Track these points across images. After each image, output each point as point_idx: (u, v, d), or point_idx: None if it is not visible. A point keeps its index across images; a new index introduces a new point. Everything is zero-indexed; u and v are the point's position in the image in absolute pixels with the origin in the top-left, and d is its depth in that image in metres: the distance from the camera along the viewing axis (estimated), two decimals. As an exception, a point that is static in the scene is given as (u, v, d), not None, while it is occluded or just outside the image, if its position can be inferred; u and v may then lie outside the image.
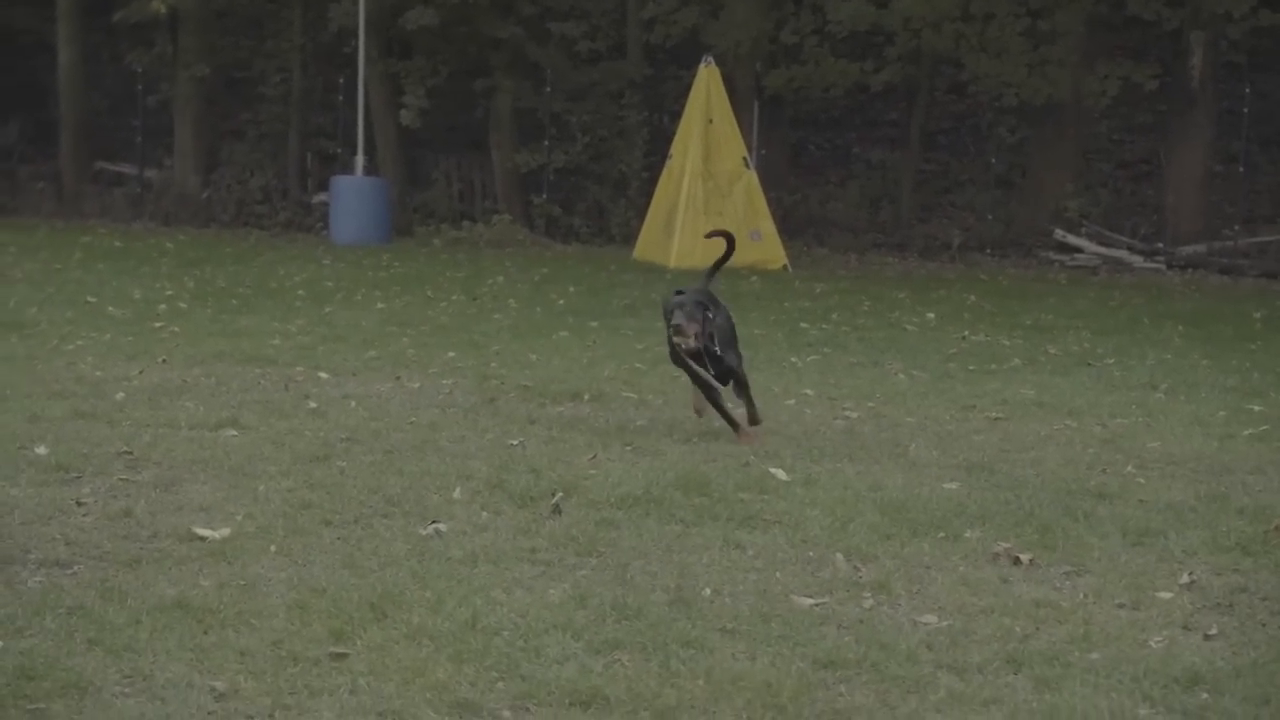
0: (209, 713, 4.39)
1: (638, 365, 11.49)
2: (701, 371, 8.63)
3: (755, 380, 10.77)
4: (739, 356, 8.73)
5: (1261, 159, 25.24)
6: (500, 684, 4.65)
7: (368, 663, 4.77)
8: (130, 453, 7.70)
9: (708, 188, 21.34)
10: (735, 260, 20.16)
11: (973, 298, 17.79)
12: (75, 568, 5.71)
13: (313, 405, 9.31)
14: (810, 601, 5.53)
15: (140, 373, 10.40)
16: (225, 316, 13.82)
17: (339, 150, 27.68)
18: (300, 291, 16.29)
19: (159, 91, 29.20)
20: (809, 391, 10.45)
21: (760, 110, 25.30)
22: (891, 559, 6.13)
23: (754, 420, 8.63)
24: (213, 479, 7.20)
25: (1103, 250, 23.58)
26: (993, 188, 25.62)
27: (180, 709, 4.40)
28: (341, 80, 27.26)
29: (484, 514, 6.67)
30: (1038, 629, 5.30)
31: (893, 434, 8.94)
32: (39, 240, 22.46)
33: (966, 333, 14.23)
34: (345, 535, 6.27)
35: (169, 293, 15.64)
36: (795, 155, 27.38)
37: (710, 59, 22.04)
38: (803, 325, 14.58)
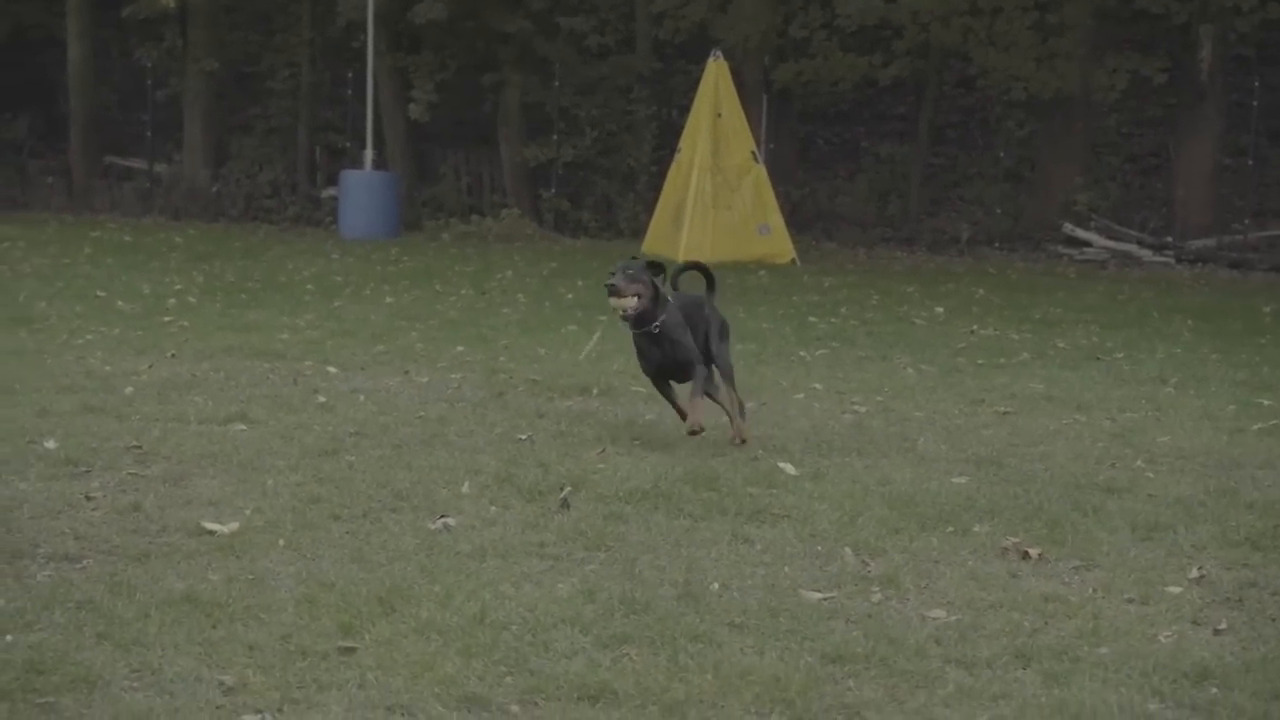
0: (217, 706, 4.40)
1: (646, 359, 11.46)
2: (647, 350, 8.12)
3: (764, 374, 10.82)
4: (727, 364, 8.34)
5: (1271, 152, 25.18)
6: (509, 678, 4.65)
7: (376, 657, 4.77)
8: (139, 447, 7.70)
9: (716, 182, 21.33)
10: (744, 254, 20.55)
11: (981, 292, 17.77)
12: (84, 562, 5.72)
13: (321, 400, 9.31)
14: (818, 596, 5.53)
15: (149, 367, 10.41)
16: (234, 311, 13.82)
17: (348, 145, 27.70)
18: (309, 286, 16.30)
19: (168, 86, 29.23)
20: (817, 386, 10.45)
21: (769, 104, 25.29)
22: (900, 553, 6.12)
23: (692, 421, 8.02)
24: (221, 473, 7.20)
25: (1112, 244, 23.54)
26: (1001, 181, 25.60)
27: (189, 703, 4.40)
28: (350, 75, 27.28)
29: (492, 508, 6.67)
30: (1046, 624, 5.30)
31: (901, 428, 8.93)
32: (48, 235, 22.48)
33: (975, 327, 14.22)
34: (354, 529, 6.27)
35: (178, 287, 15.65)
36: (804, 149, 27.36)
37: (719, 53, 22.03)
38: (811, 319, 14.57)
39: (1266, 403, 10.16)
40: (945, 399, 10.02)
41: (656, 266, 8.26)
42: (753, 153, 21.82)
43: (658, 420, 8.94)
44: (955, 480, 7.41)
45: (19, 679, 4.45)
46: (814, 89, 25.92)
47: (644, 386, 10.16)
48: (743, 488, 7.10)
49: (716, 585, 5.61)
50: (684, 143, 22.11)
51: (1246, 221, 23.71)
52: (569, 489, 6.91)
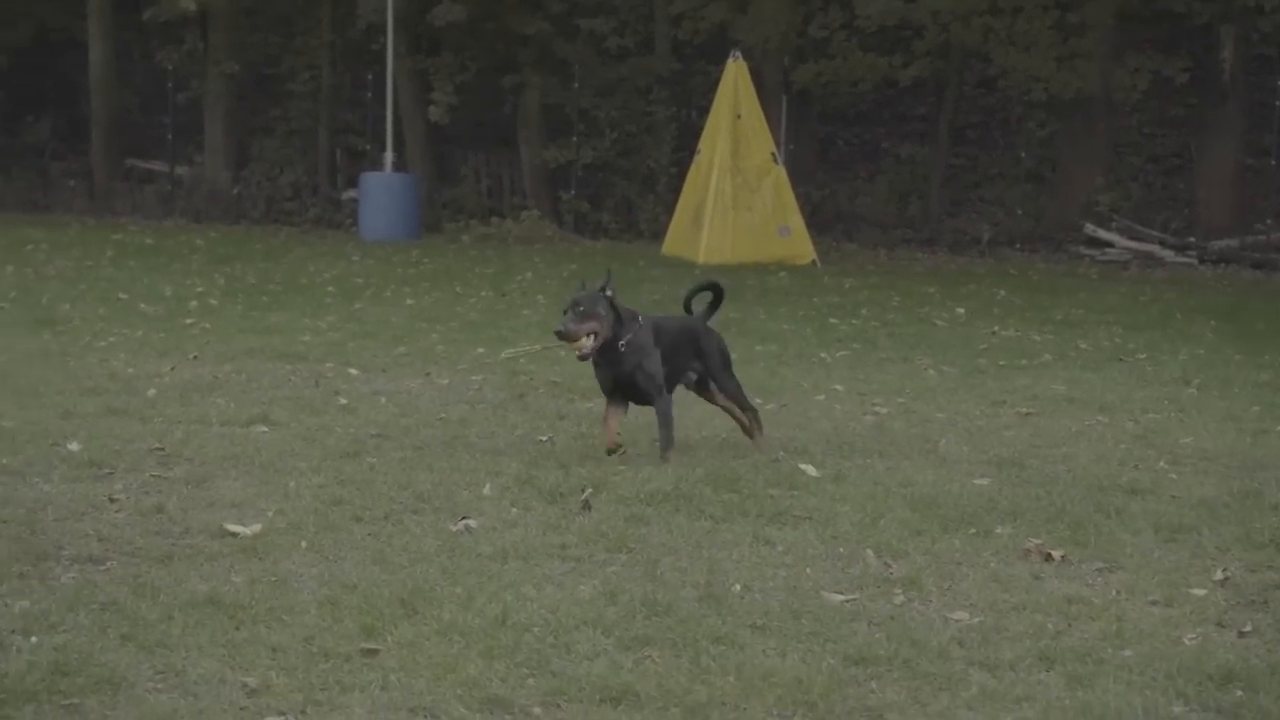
0: (241, 708, 4.41)
1: (667, 361, 11.46)
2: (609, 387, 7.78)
3: (785, 376, 10.82)
4: (735, 388, 8.12)
5: (1293, 153, 25.12)
6: (531, 680, 4.65)
7: (399, 659, 4.77)
8: (162, 449, 7.73)
9: (736, 183, 21.32)
10: (764, 256, 20.54)
11: (1003, 293, 17.74)
12: (108, 564, 5.74)
13: (343, 401, 9.33)
14: (841, 598, 5.52)
15: (172, 369, 10.44)
16: (256, 313, 13.86)
17: (368, 147, 27.74)
18: (330, 288, 16.33)
19: (189, 88, 29.30)
20: (839, 387, 10.44)
21: (788, 105, 25.26)
22: (922, 555, 6.11)
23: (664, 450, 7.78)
24: (244, 475, 7.22)
25: (1134, 245, 23.47)
26: (1022, 182, 25.55)
27: (212, 704, 4.41)
28: (370, 77, 27.31)
29: (514, 510, 6.67)
30: (1070, 626, 5.28)
31: (923, 430, 8.92)
32: (71, 237, 22.55)
33: (997, 328, 14.19)
34: (376, 531, 6.28)
35: (200, 289, 15.69)
36: (824, 150, 27.34)
37: (738, 54, 22.02)
38: (832, 321, 14.56)
39: (1290, 404, 10.13)
40: (967, 400, 10.00)
41: (603, 298, 7.74)
42: (772, 154, 21.80)
43: (678, 422, 8.91)
44: (977, 482, 7.39)
45: (44, 680, 4.47)
46: (834, 90, 25.89)
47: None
48: (764, 489, 7.10)
49: (738, 587, 5.61)
50: (704, 144, 22.10)
51: (1269, 221, 23.62)
52: (590, 491, 6.91)
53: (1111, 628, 5.24)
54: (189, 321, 13.05)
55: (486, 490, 6.98)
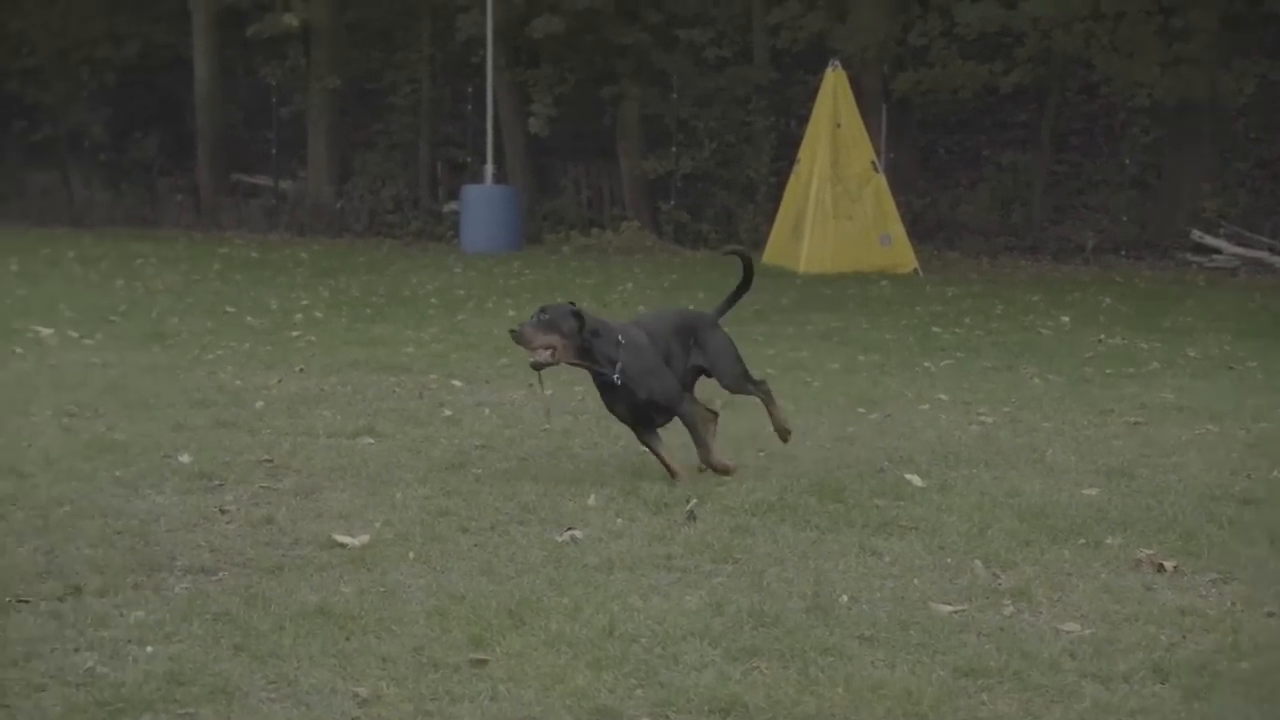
0: (353, 718, 4.44)
1: (769, 371, 11.43)
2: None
3: (888, 385, 10.75)
4: (749, 379, 7.81)
5: (1406, 156, 24.64)
6: (639, 691, 4.65)
7: (507, 669, 4.79)
8: (270, 461, 7.82)
9: (836, 192, 21.24)
10: (865, 265, 20.46)
11: (1108, 300, 17.53)
12: (220, 574, 5.81)
13: (447, 413, 9.39)
14: (949, 609, 5.48)
15: (278, 381, 10.56)
16: (360, 325, 13.98)
17: (468, 159, 27.92)
18: (433, 300, 16.45)
19: (292, 104, 29.66)
20: (943, 396, 10.36)
21: (888, 113, 25.14)
22: (1031, 566, 6.05)
23: (719, 465, 7.53)
24: (351, 486, 7.29)
25: (1242, 251, 23.11)
26: (1127, 189, 25.25)
27: (325, 714, 4.45)
28: (470, 89, 27.49)
29: (619, 520, 6.68)
30: (1184, 638, 5.21)
31: (1029, 439, 8.83)
32: (178, 252, 22.89)
33: (1103, 336, 14.03)
34: (482, 542, 6.31)
35: (305, 302, 15.86)
36: (924, 158, 27.16)
37: (837, 63, 21.95)
38: (935, 330, 14.46)
39: (1406, 412, 9.92)
40: (1074, 409, 9.89)
41: (571, 316, 7.31)
42: (872, 162, 21.70)
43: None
44: (1086, 492, 7.31)
45: (160, 689, 4.53)
46: (934, 97, 25.73)
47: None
48: (869, 500, 7.06)
49: (845, 598, 5.58)
50: (803, 153, 22.05)
51: (1381, 226, 23.20)
52: (695, 501, 6.90)
53: (1227, 640, 5.16)
54: (294, 334, 13.19)
55: (591, 501, 6.99)
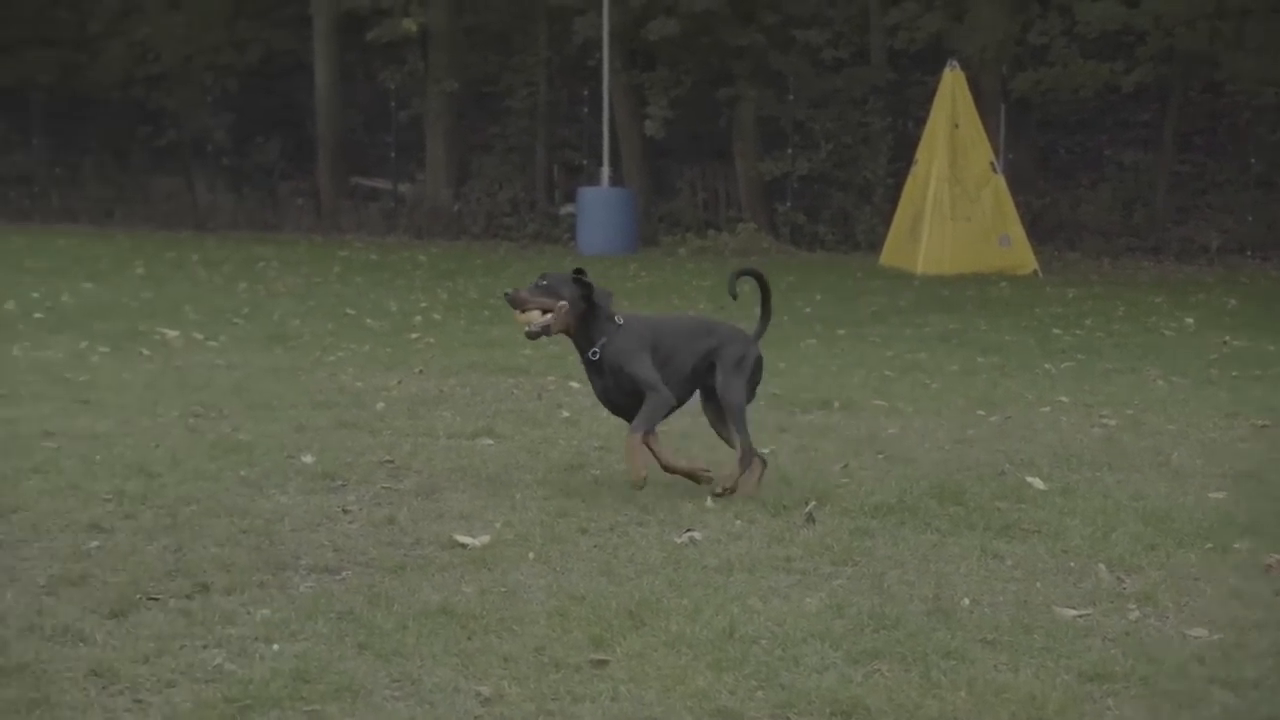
0: (475, 717, 4.47)
1: (887, 373, 11.39)
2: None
3: (1008, 387, 10.65)
4: (735, 402, 7.08)
5: None
6: (760, 692, 4.64)
7: (628, 669, 4.80)
8: (392, 461, 7.89)
9: (954, 193, 21.09)
10: (984, 266, 20.28)
11: (1234, 301, 17.24)
12: (343, 573, 5.87)
13: (565, 414, 9.43)
14: (1073, 613, 5.41)
15: (399, 383, 10.66)
16: (478, 327, 14.09)
17: (585, 162, 28.05)
18: (549, 302, 16.49)
19: (410, 107, 29.97)
20: (1064, 399, 10.24)
21: (1007, 113, 24.92)
22: (1157, 570, 5.96)
23: (629, 470, 7.05)
24: (471, 487, 7.33)
25: (1371, 250, 22.66)
26: (1252, 188, 24.83)
27: (448, 713, 4.49)
28: (586, 92, 27.63)
29: (737, 522, 6.67)
30: (1315, 644, 5.11)
31: (1153, 442, 8.70)
32: (300, 255, 23.19)
33: (1228, 337, 13.80)
34: (601, 543, 6.33)
35: (423, 304, 16.01)
36: (1044, 158, 26.89)
37: (955, 63, 21.79)
38: (1055, 331, 14.30)
39: None
40: (1199, 412, 9.74)
41: (572, 284, 7.05)
42: (991, 163, 21.53)
43: (900, 434, 8.85)
44: (1212, 495, 7.20)
45: (287, 687, 4.59)
46: (1053, 97, 25.47)
47: (885, 400, 10.09)
48: (990, 502, 7.00)
49: (967, 601, 5.53)
50: (921, 154, 21.92)
51: None
52: (814, 503, 6.88)
53: (1360, 647, 5.06)
54: (414, 336, 13.31)
55: (709, 502, 6.99)
